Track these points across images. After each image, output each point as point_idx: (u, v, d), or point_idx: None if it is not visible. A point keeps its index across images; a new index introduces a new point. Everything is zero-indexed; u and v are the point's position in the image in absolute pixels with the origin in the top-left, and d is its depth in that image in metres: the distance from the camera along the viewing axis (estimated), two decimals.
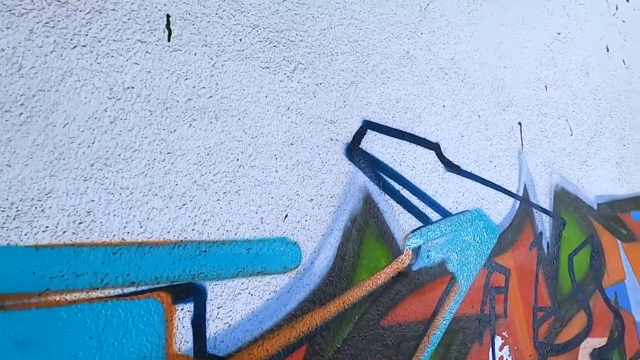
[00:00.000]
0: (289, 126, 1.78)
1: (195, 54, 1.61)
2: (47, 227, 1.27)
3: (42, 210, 1.27)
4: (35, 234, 1.25)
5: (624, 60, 3.49)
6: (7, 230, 1.21)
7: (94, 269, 1.32)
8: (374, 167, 1.98)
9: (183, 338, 1.43)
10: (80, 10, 1.41)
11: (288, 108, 1.79)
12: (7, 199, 1.23)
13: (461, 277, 2.18)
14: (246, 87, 1.70)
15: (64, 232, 1.29)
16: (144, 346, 1.36)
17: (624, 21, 3.60)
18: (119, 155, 1.41)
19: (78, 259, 1.30)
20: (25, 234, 1.24)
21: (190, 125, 1.56)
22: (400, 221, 2.02)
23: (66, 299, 1.27)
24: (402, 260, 1.99)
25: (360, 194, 1.92)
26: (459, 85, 2.40)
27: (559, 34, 3.06)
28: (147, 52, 1.51)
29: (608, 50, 3.39)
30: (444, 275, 2.12)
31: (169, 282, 1.43)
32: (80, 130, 1.36)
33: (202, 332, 1.47)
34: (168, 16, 1.57)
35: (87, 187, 1.34)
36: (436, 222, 2.15)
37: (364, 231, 1.90)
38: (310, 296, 1.71)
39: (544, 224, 2.65)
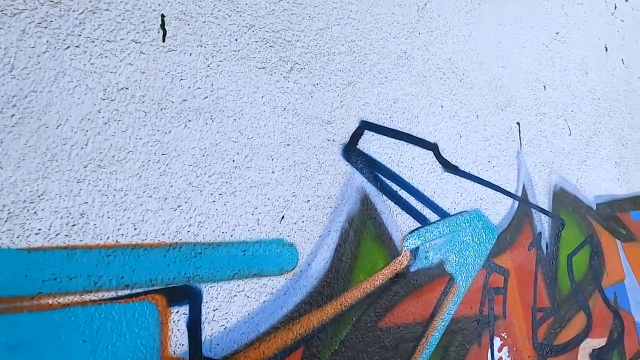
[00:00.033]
0: (286, 127, 1.77)
1: (190, 55, 1.59)
2: (39, 229, 1.25)
3: (35, 212, 1.26)
4: (28, 236, 1.24)
5: (622, 59, 3.48)
6: None
7: (88, 272, 1.30)
8: (372, 168, 1.97)
9: (178, 341, 1.42)
10: (74, 11, 1.40)
11: (284, 109, 1.78)
12: None
13: (460, 278, 2.16)
14: (242, 87, 1.69)
15: (56, 235, 1.27)
16: (139, 350, 1.35)
17: (622, 21, 3.59)
18: (113, 156, 1.40)
19: (71, 261, 1.28)
20: (18, 237, 1.22)
21: (186, 126, 1.54)
22: (398, 222, 2.00)
23: (59, 302, 1.25)
24: (400, 261, 1.98)
25: (358, 195, 1.90)
26: (457, 85, 2.38)
27: (557, 33, 3.05)
28: (141, 52, 1.49)
29: (607, 49, 3.38)
30: (442, 276, 2.11)
31: (163, 284, 1.42)
32: (74, 132, 1.34)
33: (197, 335, 1.45)
34: (163, 16, 1.56)
35: (81, 189, 1.33)
36: (434, 222, 2.14)
37: (362, 232, 1.88)
38: (307, 298, 1.70)
39: (543, 224, 2.64)
